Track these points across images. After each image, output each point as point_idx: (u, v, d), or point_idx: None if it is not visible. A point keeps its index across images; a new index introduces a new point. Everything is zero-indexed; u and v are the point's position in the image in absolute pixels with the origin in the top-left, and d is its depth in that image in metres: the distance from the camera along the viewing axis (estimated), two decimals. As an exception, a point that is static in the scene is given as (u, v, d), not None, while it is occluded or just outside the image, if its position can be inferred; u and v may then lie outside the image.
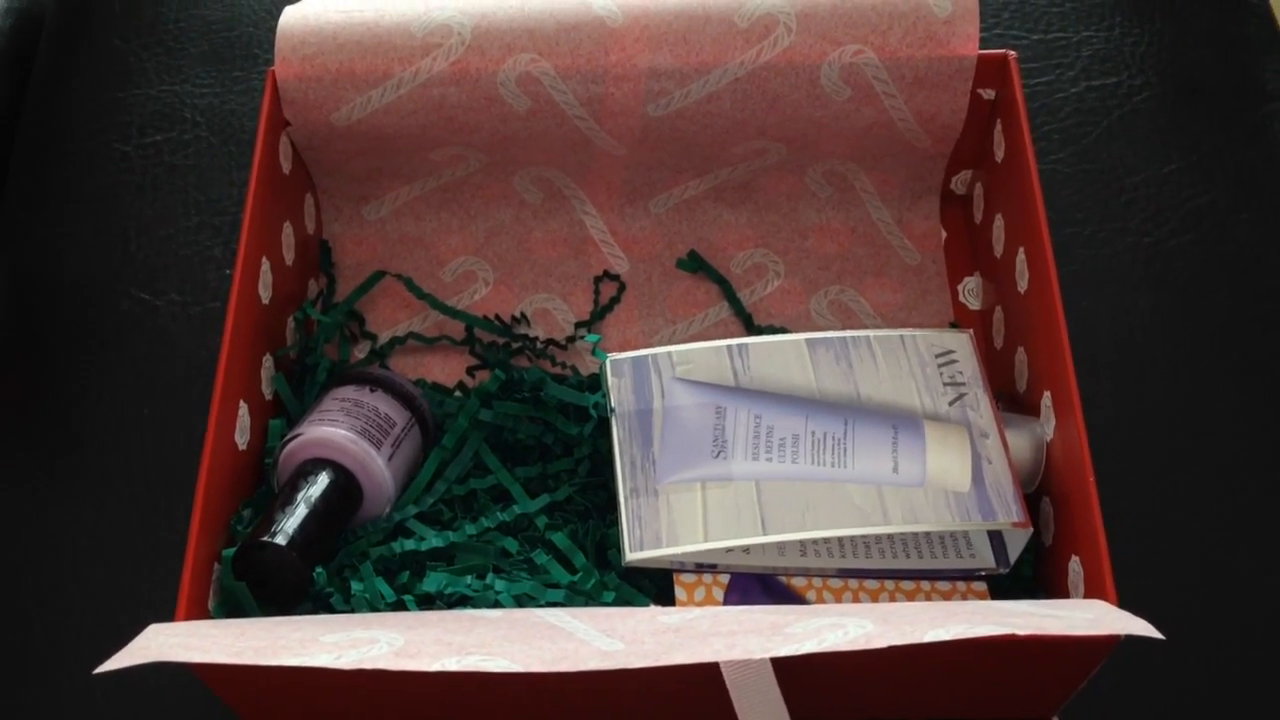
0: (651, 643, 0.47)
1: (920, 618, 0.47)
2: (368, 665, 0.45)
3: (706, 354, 0.64)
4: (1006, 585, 0.61)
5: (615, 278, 0.73)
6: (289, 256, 0.68)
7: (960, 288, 0.72)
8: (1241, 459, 0.67)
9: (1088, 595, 0.54)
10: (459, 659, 0.46)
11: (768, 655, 0.45)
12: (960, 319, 0.71)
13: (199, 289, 0.74)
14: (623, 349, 0.71)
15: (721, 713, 0.54)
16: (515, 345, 0.70)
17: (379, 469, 0.61)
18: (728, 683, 0.50)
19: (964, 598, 0.60)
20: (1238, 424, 0.68)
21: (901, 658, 0.51)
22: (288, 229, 0.68)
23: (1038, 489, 0.62)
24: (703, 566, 0.59)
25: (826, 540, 0.60)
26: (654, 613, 0.51)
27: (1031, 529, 0.58)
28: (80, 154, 0.79)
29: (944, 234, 0.73)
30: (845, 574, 0.60)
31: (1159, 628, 0.63)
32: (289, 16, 0.67)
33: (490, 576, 0.59)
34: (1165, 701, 0.62)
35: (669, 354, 0.64)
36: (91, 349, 0.73)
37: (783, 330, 0.71)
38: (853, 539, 0.60)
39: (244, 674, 0.52)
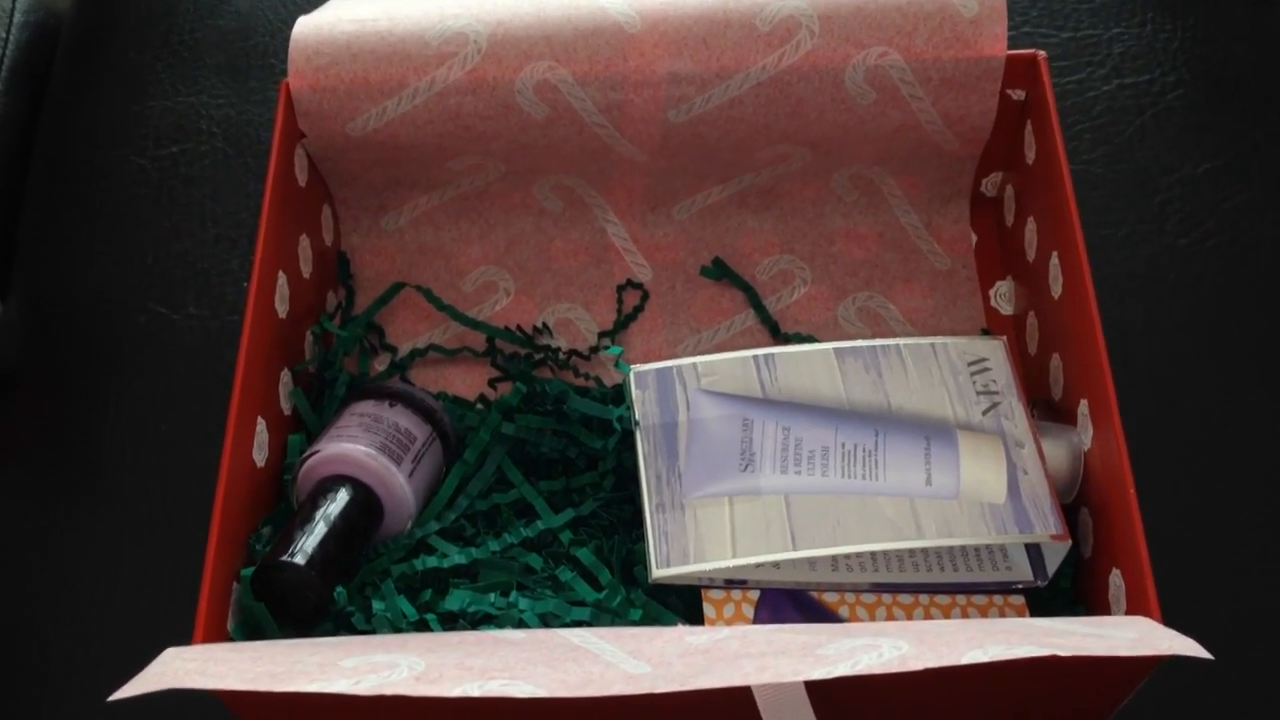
0: (680, 665, 0.46)
1: (957, 638, 0.46)
2: (387, 691, 0.44)
3: (732, 365, 0.62)
4: (1045, 599, 0.60)
5: (638, 286, 0.71)
6: (306, 269, 0.67)
7: (992, 292, 0.71)
8: (1285, 465, 0.66)
9: (1130, 610, 0.53)
10: (481, 684, 0.44)
11: (799, 678, 0.43)
12: (992, 324, 0.70)
13: (216, 303, 0.73)
14: (647, 358, 0.70)
15: (752, 735, 0.53)
16: (537, 356, 0.69)
17: (399, 485, 0.60)
18: (760, 706, 0.49)
19: (1001, 612, 0.58)
20: (1280, 429, 0.67)
21: (939, 678, 0.50)
22: (304, 241, 0.67)
23: (1076, 499, 0.60)
24: (732, 582, 0.58)
25: (859, 555, 0.58)
26: (681, 633, 0.49)
27: (1070, 542, 0.56)
28: (97, 167, 0.79)
29: (974, 238, 0.72)
30: (878, 589, 0.58)
31: (1203, 643, 0.61)
32: (302, 27, 0.66)
33: (514, 594, 0.58)
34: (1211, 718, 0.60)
35: (694, 365, 0.62)
36: (110, 363, 0.72)
37: (810, 338, 0.69)
38: (886, 553, 0.58)
39: (263, 698, 0.51)
